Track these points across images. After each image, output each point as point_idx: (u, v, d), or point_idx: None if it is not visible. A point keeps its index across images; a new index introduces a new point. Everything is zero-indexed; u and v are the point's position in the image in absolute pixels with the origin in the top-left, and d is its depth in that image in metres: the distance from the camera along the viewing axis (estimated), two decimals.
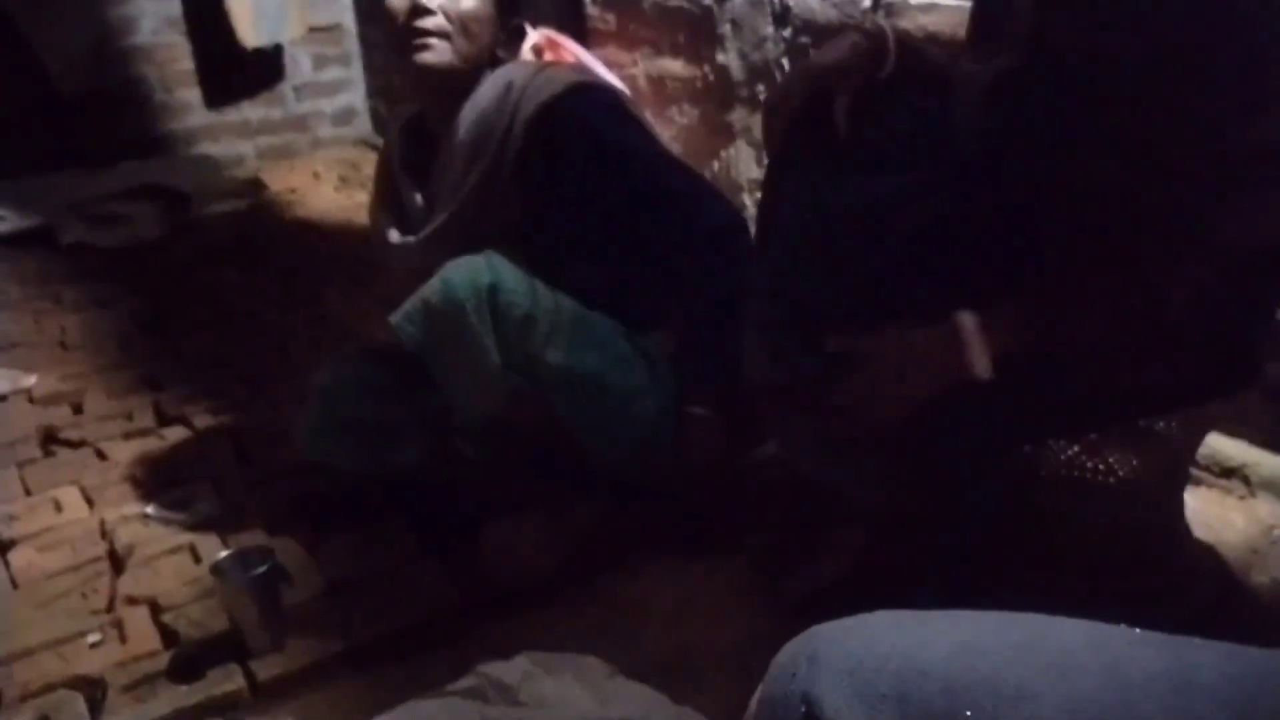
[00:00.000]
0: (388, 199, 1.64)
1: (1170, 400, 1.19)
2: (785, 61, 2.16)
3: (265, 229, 3.29)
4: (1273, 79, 1.03)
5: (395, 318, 1.41)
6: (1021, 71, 1.11)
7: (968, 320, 1.06)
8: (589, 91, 1.48)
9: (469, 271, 1.38)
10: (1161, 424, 1.24)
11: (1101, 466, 1.29)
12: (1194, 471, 1.54)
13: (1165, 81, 0.99)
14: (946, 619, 0.56)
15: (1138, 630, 0.54)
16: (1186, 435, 1.31)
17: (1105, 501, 1.28)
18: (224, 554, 1.36)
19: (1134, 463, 1.27)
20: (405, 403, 1.59)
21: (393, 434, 1.58)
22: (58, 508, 1.72)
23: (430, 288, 1.39)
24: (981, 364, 1.06)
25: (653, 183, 1.45)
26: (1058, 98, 1.06)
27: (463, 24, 1.45)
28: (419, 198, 1.58)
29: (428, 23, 1.43)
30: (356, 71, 4.21)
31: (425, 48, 1.44)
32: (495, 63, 1.53)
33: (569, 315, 1.43)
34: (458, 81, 1.48)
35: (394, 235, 1.59)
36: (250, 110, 3.98)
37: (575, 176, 1.44)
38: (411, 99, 1.66)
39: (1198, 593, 1.33)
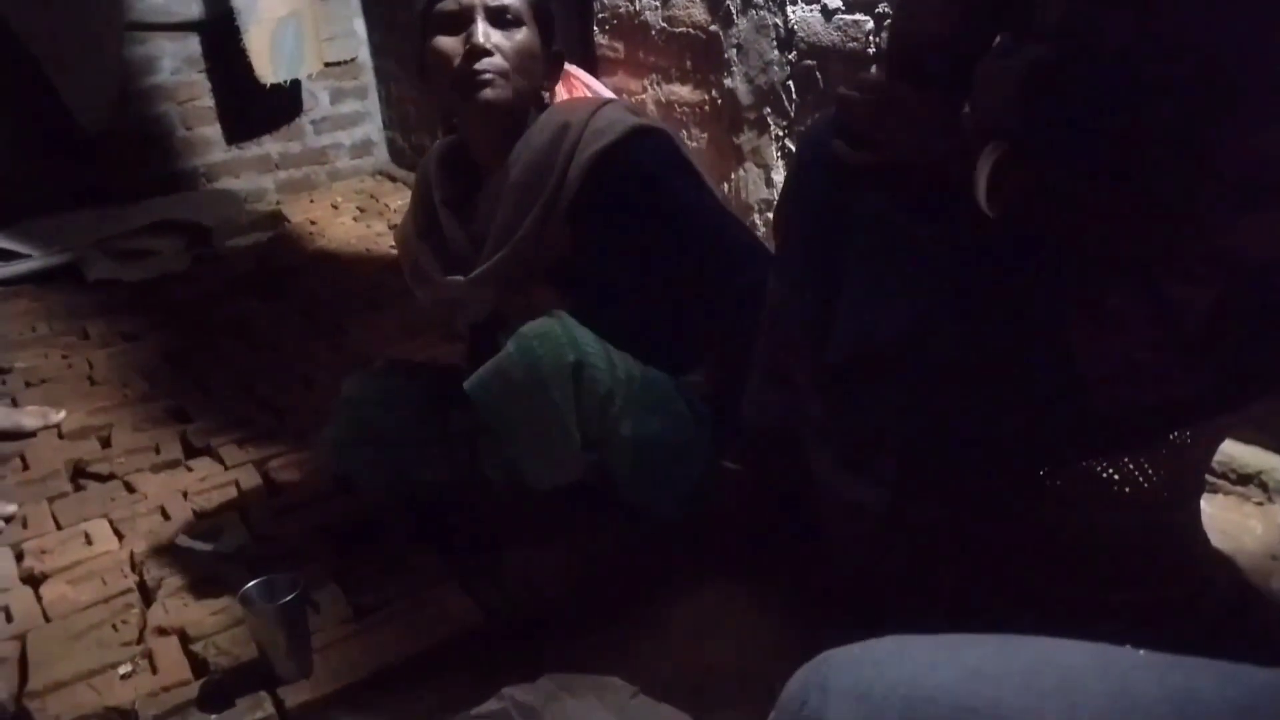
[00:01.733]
0: (427, 232, 1.62)
1: (1191, 413, 1.19)
2: (791, 85, 2.18)
3: (287, 260, 3.34)
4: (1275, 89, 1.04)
5: (470, 385, 1.39)
6: (1057, 63, 1.10)
7: (989, 152, 1.07)
8: (648, 136, 1.48)
9: (552, 346, 1.36)
10: (1176, 432, 1.24)
11: (1117, 476, 1.29)
12: (1211, 479, 1.54)
13: (1193, 78, 0.99)
14: (953, 644, 0.57)
15: (1142, 652, 0.55)
16: (1204, 442, 1.31)
17: (1121, 511, 1.28)
18: (251, 583, 1.38)
19: (1149, 471, 1.27)
20: (433, 420, 1.60)
21: (419, 451, 1.60)
22: (88, 541, 1.75)
23: (510, 360, 1.36)
24: (980, 188, 1.07)
25: (702, 233, 1.45)
26: (1088, 93, 1.06)
27: (519, 61, 1.45)
28: (462, 235, 1.57)
29: (486, 63, 1.43)
30: (373, 104, 4.28)
31: (487, 85, 1.44)
32: (540, 98, 1.54)
33: (638, 383, 1.42)
34: (513, 118, 1.49)
35: (437, 274, 1.58)
36: (270, 145, 4.05)
37: (629, 221, 1.45)
38: (443, 130, 1.66)
39: (1216, 600, 1.33)
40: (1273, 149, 1.02)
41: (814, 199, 1.25)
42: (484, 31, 1.43)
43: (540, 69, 1.51)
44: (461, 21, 1.44)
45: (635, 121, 1.48)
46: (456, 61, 1.45)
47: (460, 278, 1.54)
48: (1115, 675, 0.52)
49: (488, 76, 1.43)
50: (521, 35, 1.46)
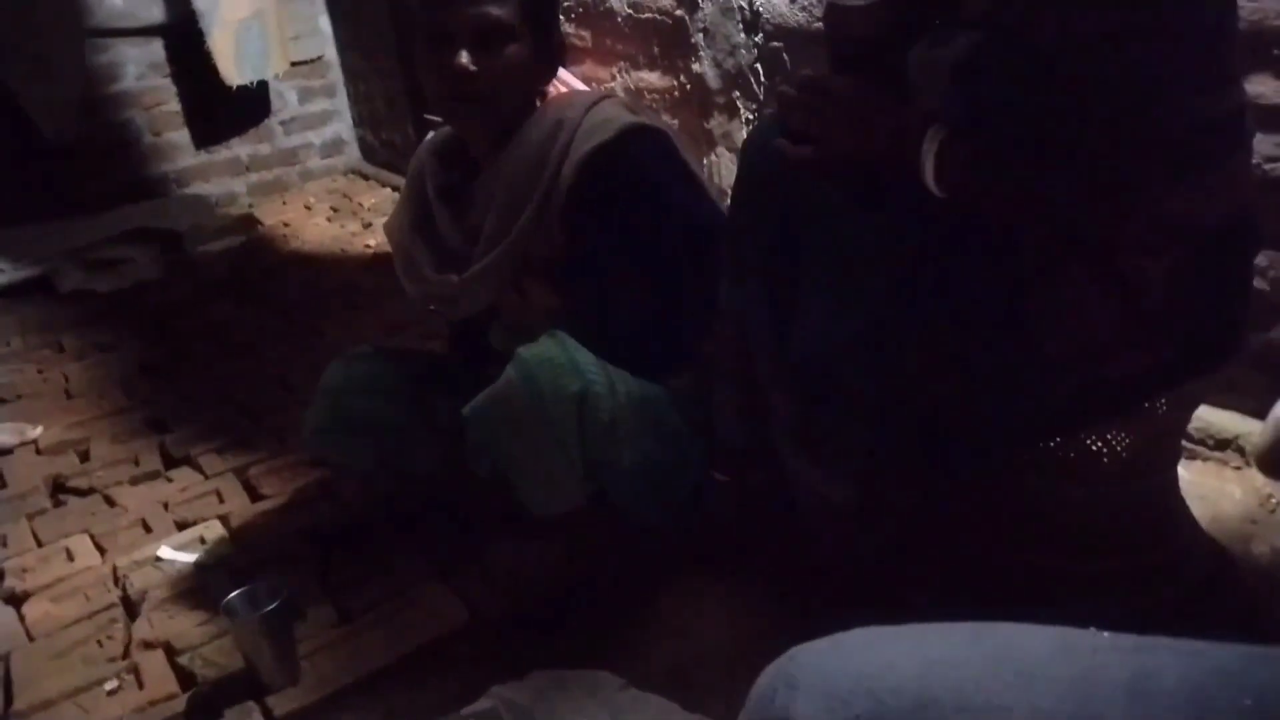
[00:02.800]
0: (419, 225, 1.60)
1: (1157, 383, 1.20)
2: (759, 67, 2.18)
3: (261, 263, 3.32)
4: (1216, 58, 1.05)
5: (469, 411, 1.36)
6: (982, 52, 1.11)
7: (934, 134, 1.08)
8: (642, 134, 1.45)
9: (554, 373, 1.33)
10: (1146, 401, 1.25)
11: (1094, 445, 1.30)
12: (1188, 445, 1.55)
13: (1116, 58, 1.00)
14: (920, 634, 0.57)
15: (1106, 635, 0.55)
16: (1176, 410, 1.32)
17: (1099, 480, 1.29)
18: (235, 593, 1.37)
19: (1125, 440, 1.28)
20: (418, 408, 1.59)
21: (403, 438, 1.58)
22: (69, 557, 1.74)
23: (511, 387, 1.33)
24: (928, 170, 1.07)
25: (693, 233, 1.44)
26: (1021, 75, 1.07)
27: (505, 80, 1.41)
28: (455, 230, 1.55)
29: (473, 88, 1.39)
30: (342, 102, 4.24)
31: (465, 110, 1.42)
32: (537, 94, 1.51)
33: (636, 404, 1.40)
34: (504, 120, 1.46)
35: (430, 270, 1.56)
36: (240, 147, 4.01)
37: (622, 219, 1.43)
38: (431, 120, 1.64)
39: (1197, 566, 1.33)
40: (1208, 112, 1.04)
41: (762, 200, 1.25)
42: (467, 56, 1.38)
43: (531, 77, 1.47)
44: (447, 38, 1.39)
45: (631, 120, 1.45)
46: (438, 80, 1.41)
47: (454, 276, 1.52)
48: (1078, 660, 0.52)
49: (468, 101, 1.41)
50: (510, 52, 1.40)
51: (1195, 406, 1.37)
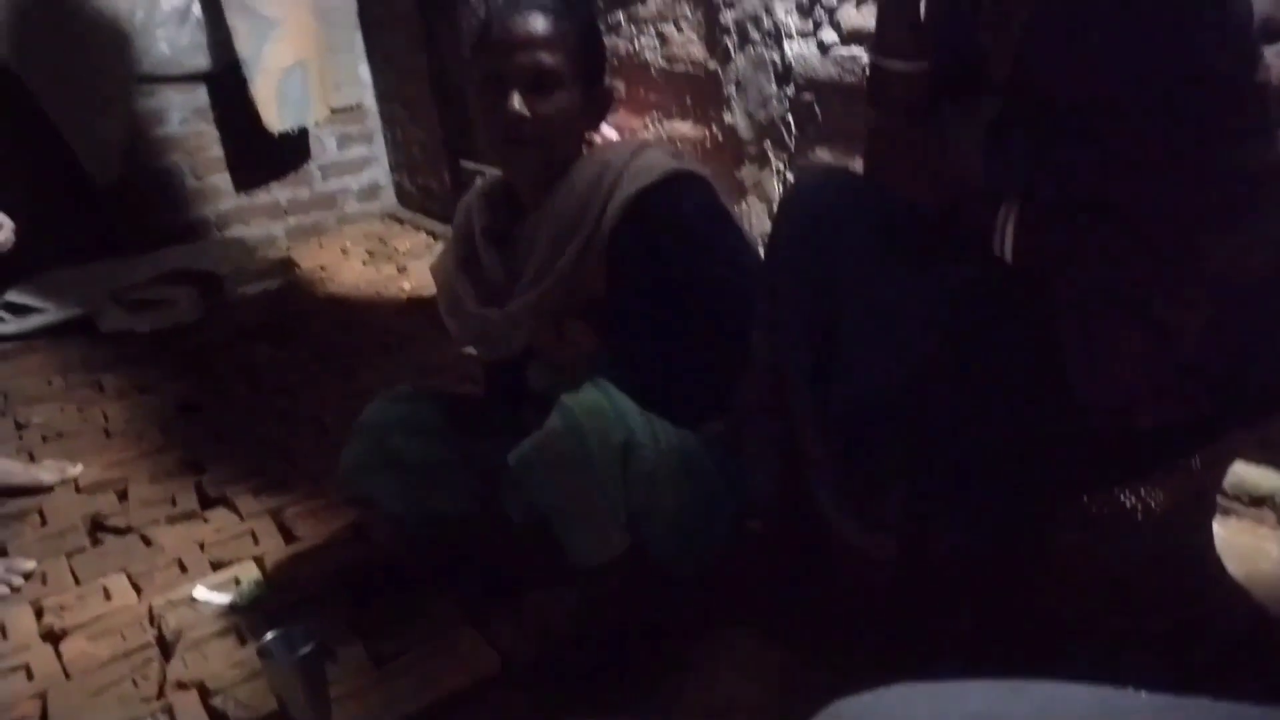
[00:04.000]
0: (465, 264, 1.64)
1: (1193, 437, 1.20)
2: (790, 119, 2.21)
3: (298, 306, 3.38)
4: (1251, 109, 1.06)
5: (514, 459, 1.36)
6: (1009, 117, 1.14)
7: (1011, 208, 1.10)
8: (684, 180, 1.49)
9: (600, 422, 1.34)
10: (1181, 456, 1.24)
11: (1128, 501, 1.30)
12: (1224, 502, 1.54)
13: (1144, 117, 1.02)
14: (960, 691, 0.58)
15: (1144, 694, 0.55)
16: (1211, 465, 1.31)
17: (1133, 536, 1.28)
18: (269, 635, 1.38)
19: (1159, 496, 1.28)
20: (454, 449, 1.61)
21: (438, 479, 1.59)
22: (106, 595, 1.76)
23: (556, 435, 1.34)
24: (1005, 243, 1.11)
25: (731, 279, 1.46)
26: (1048, 136, 1.09)
27: (556, 125, 1.46)
28: (500, 268, 1.59)
29: (524, 131, 1.44)
30: (379, 148, 4.33)
31: (519, 153, 1.47)
32: (584, 139, 1.55)
33: (676, 454, 1.40)
34: (554, 165, 1.50)
35: (472, 304, 1.60)
36: (279, 191, 4.10)
37: (661, 262, 1.45)
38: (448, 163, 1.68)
39: (1234, 624, 1.32)
40: (1247, 164, 1.05)
41: (803, 250, 1.27)
42: (519, 101, 1.43)
43: (581, 123, 1.52)
44: (501, 84, 1.44)
45: (674, 165, 1.49)
46: (492, 123, 1.46)
47: (495, 310, 1.56)
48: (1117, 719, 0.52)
49: (520, 144, 1.45)
50: (559, 98, 1.45)
51: (1230, 462, 1.37)
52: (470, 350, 1.92)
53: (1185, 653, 1.23)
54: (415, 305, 3.23)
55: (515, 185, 1.58)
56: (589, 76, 1.50)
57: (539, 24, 1.44)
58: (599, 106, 1.55)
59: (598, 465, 1.32)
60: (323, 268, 3.76)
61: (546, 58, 1.43)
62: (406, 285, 3.42)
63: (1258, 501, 1.54)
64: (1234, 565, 1.39)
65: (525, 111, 1.43)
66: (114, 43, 3.55)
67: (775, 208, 2.28)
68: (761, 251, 1.44)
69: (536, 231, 1.51)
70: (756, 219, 2.36)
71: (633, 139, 1.65)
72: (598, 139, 1.59)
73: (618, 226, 1.45)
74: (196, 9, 3.68)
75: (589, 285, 1.49)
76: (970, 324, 1.16)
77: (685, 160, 1.55)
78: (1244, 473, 1.54)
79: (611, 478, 1.33)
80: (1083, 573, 1.28)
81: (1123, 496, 1.29)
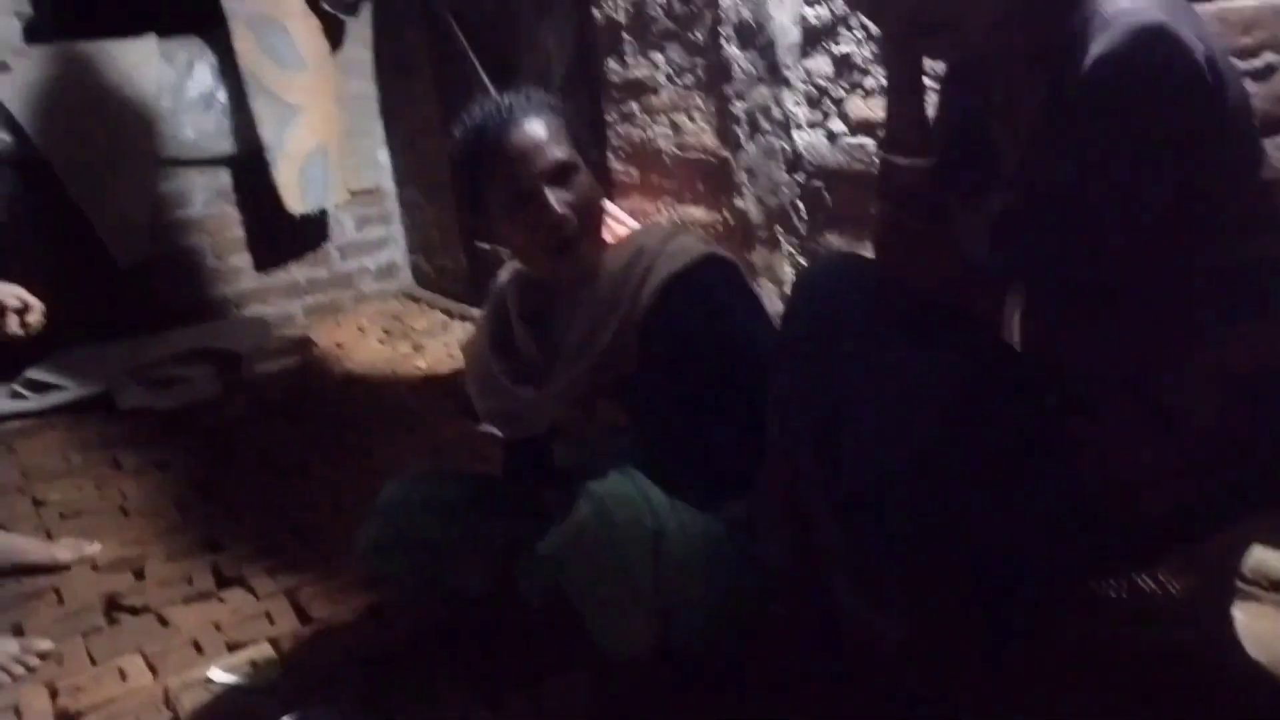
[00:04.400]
0: (499, 345, 1.67)
1: (1204, 522, 1.21)
2: (800, 204, 2.26)
3: (315, 384, 3.41)
4: (1254, 202, 1.10)
5: (545, 548, 1.37)
6: (1017, 210, 1.18)
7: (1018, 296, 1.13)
8: (717, 264, 1.53)
9: (630, 512, 1.34)
10: (1194, 541, 1.25)
11: (1145, 586, 1.30)
12: (1244, 587, 1.53)
13: (1144, 213, 1.06)
14: None
15: None
16: (1228, 550, 1.32)
17: (1152, 621, 1.28)
18: (285, 719, 1.38)
19: (1173, 581, 1.28)
20: (471, 528, 1.62)
21: (455, 558, 1.60)
22: (122, 676, 1.76)
23: (586, 523, 1.34)
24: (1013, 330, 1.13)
25: (759, 360, 1.46)
26: (1054, 231, 1.13)
27: (587, 207, 1.50)
28: (535, 348, 1.62)
29: (566, 228, 1.48)
30: (396, 229, 4.42)
31: (572, 247, 1.50)
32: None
33: (702, 539, 1.41)
34: (593, 253, 1.54)
35: (507, 383, 1.63)
36: (298, 271, 4.17)
37: (695, 343, 1.48)
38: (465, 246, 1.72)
39: (1255, 710, 1.31)
40: (1253, 256, 1.08)
41: (810, 333, 1.30)
42: (555, 200, 1.47)
43: (602, 200, 1.57)
44: (527, 195, 1.48)
45: (707, 250, 1.55)
46: (537, 235, 1.49)
47: (531, 389, 1.59)
48: None
49: (574, 243, 1.49)
50: (581, 180, 1.50)
51: (1246, 545, 1.37)
52: (489, 429, 1.94)
53: None
54: (430, 383, 3.26)
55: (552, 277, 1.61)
56: (586, 155, 1.56)
57: (536, 127, 1.49)
58: (600, 178, 1.60)
59: (628, 556, 1.32)
60: (340, 346, 3.80)
61: (558, 152, 1.49)
62: (422, 363, 3.46)
63: (1278, 586, 1.53)
64: (1256, 651, 1.39)
65: (564, 209, 1.47)
66: (141, 128, 3.65)
67: (786, 290, 2.33)
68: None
69: (573, 313, 1.55)
70: (767, 302, 2.40)
71: (666, 225, 1.70)
72: (612, 223, 1.64)
73: (652, 308, 1.49)
74: (221, 95, 3.80)
75: (621, 365, 1.52)
76: (977, 409, 1.19)
77: (715, 246, 1.59)
78: (1264, 557, 1.53)
79: (643, 569, 1.33)
80: (1101, 658, 1.28)
81: (1140, 581, 1.30)
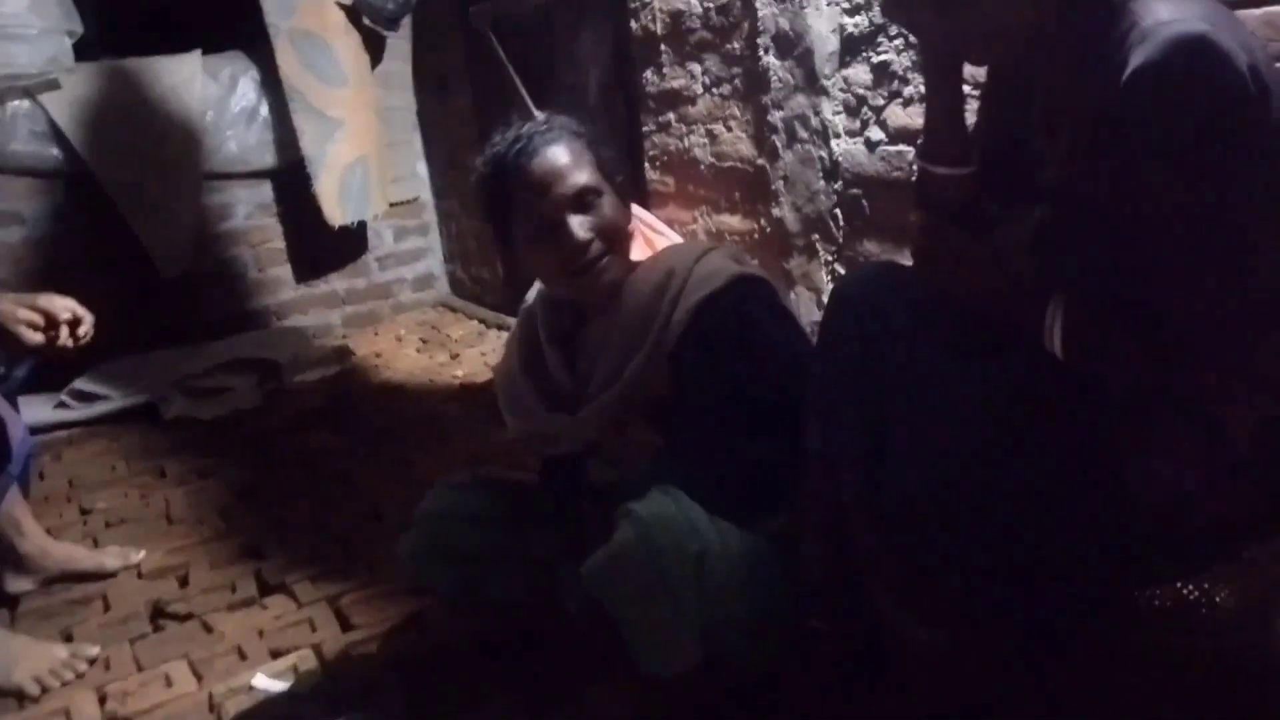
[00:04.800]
0: (529, 368, 1.68)
1: (1247, 533, 1.19)
2: (838, 213, 2.25)
3: (354, 393, 3.45)
4: None
5: (588, 570, 1.36)
6: (1058, 220, 1.18)
7: (1058, 305, 1.13)
8: (749, 284, 1.53)
9: (674, 534, 1.34)
10: (1242, 552, 1.23)
11: (1190, 595, 1.28)
12: None
13: (1184, 223, 1.04)
14: None
15: None
16: (1273, 558, 1.30)
17: (1203, 632, 1.26)
18: None
19: (1224, 590, 1.26)
20: (510, 538, 1.63)
21: (495, 567, 1.62)
22: (168, 682, 1.79)
23: (629, 545, 1.33)
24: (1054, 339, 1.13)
25: (794, 379, 1.46)
26: (1094, 241, 1.12)
27: (613, 232, 1.52)
28: (566, 373, 1.62)
29: (591, 253, 1.49)
30: (434, 240, 4.47)
31: (599, 273, 1.51)
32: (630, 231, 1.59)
33: (744, 557, 1.40)
34: (621, 274, 1.54)
35: (539, 407, 1.63)
36: (337, 282, 4.22)
37: (728, 363, 1.48)
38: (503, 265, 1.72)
39: None
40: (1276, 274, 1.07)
41: (853, 343, 1.29)
42: (577, 226, 1.49)
43: (629, 220, 1.57)
44: (552, 224, 1.49)
45: (738, 270, 1.53)
46: (562, 263, 1.51)
47: (565, 416, 1.59)
48: None
49: (598, 264, 1.50)
50: (605, 205, 1.51)
51: None
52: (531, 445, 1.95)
53: None
54: (468, 391, 3.29)
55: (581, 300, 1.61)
56: (614, 177, 1.56)
57: (557, 154, 1.50)
58: (627, 201, 1.60)
59: (671, 578, 1.32)
60: (378, 355, 3.84)
61: (580, 177, 1.50)
62: (460, 372, 3.49)
63: None
64: None
65: (587, 234, 1.49)
66: (186, 142, 3.72)
67: (823, 298, 2.32)
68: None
69: (605, 337, 1.55)
70: (805, 309, 2.39)
71: (695, 242, 1.69)
72: (647, 232, 1.64)
73: (685, 331, 1.49)
74: (264, 110, 3.85)
75: (654, 387, 1.52)
76: (1020, 418, 1.18)
77: (747, 264, 1.59)
78: None
79: (685, 591, 1.33)
80: (1149, 669, 1.26)
81: (1186, 591, 1.28)
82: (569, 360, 1.63)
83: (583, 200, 1.50)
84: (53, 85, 3.48)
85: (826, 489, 1.33)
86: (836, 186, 2.25)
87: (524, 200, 1.51)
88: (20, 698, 1.77)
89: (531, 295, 1.73)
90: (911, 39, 1.97)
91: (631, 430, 1.56)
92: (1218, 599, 1.36)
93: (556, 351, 1.64)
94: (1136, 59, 1.01)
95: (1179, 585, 1.34)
